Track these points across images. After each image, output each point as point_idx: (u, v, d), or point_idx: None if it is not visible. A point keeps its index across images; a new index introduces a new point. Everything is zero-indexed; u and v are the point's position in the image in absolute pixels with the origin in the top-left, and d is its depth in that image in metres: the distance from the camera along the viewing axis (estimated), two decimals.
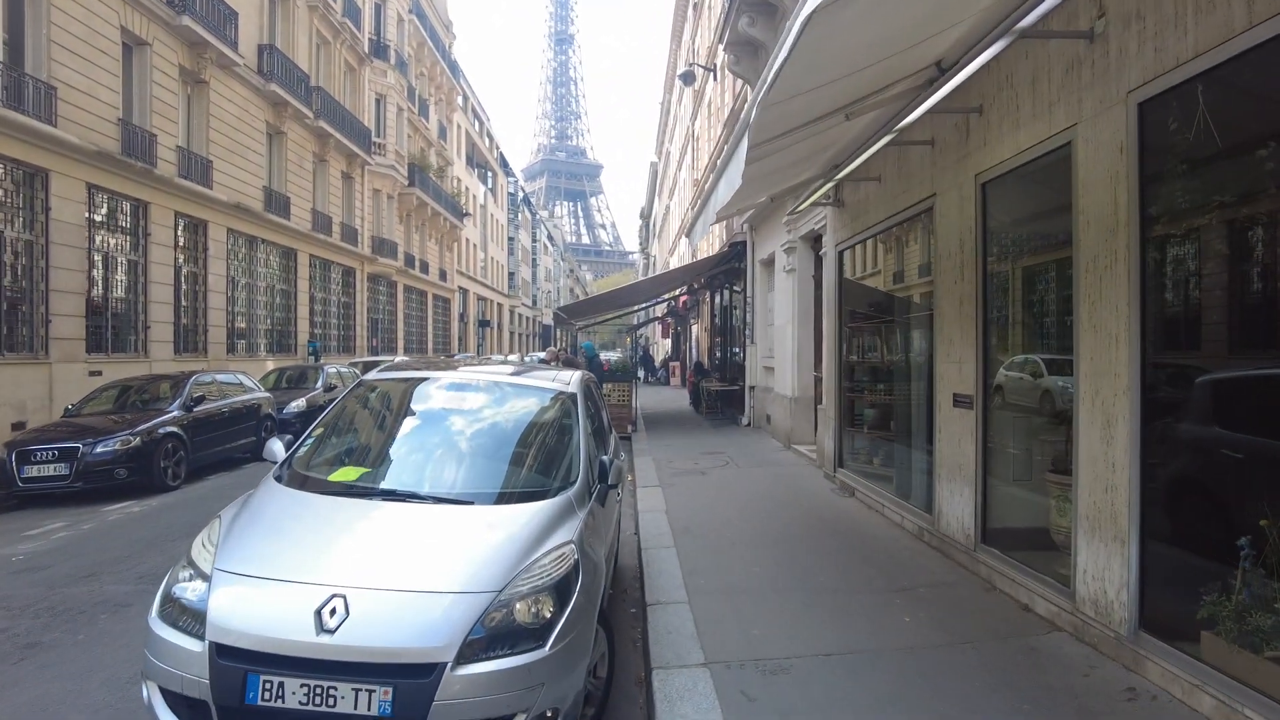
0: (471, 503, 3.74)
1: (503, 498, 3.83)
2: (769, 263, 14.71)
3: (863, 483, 8.45)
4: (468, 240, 47.59)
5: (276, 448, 4.44)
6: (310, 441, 4.40)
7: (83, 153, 14.42)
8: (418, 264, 36.89)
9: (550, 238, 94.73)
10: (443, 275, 41.53)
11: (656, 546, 6.71)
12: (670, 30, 37.16)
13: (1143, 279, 3.87)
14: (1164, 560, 3.91)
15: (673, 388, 31.31)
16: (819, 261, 11.17)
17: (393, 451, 4.38)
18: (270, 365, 20.61)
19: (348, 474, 4.04)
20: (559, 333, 23.16)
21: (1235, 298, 3.57)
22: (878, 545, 6.63)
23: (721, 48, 14.85)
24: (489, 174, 56.70)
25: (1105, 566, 4.15)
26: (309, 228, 25.03)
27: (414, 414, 4.73)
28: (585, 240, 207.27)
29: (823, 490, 9.05)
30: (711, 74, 21.71)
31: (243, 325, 21.46)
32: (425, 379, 4.95)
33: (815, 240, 11.53)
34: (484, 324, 50.18)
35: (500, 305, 57.02)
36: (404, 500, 3.73)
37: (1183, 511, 3.89)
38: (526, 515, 3.63)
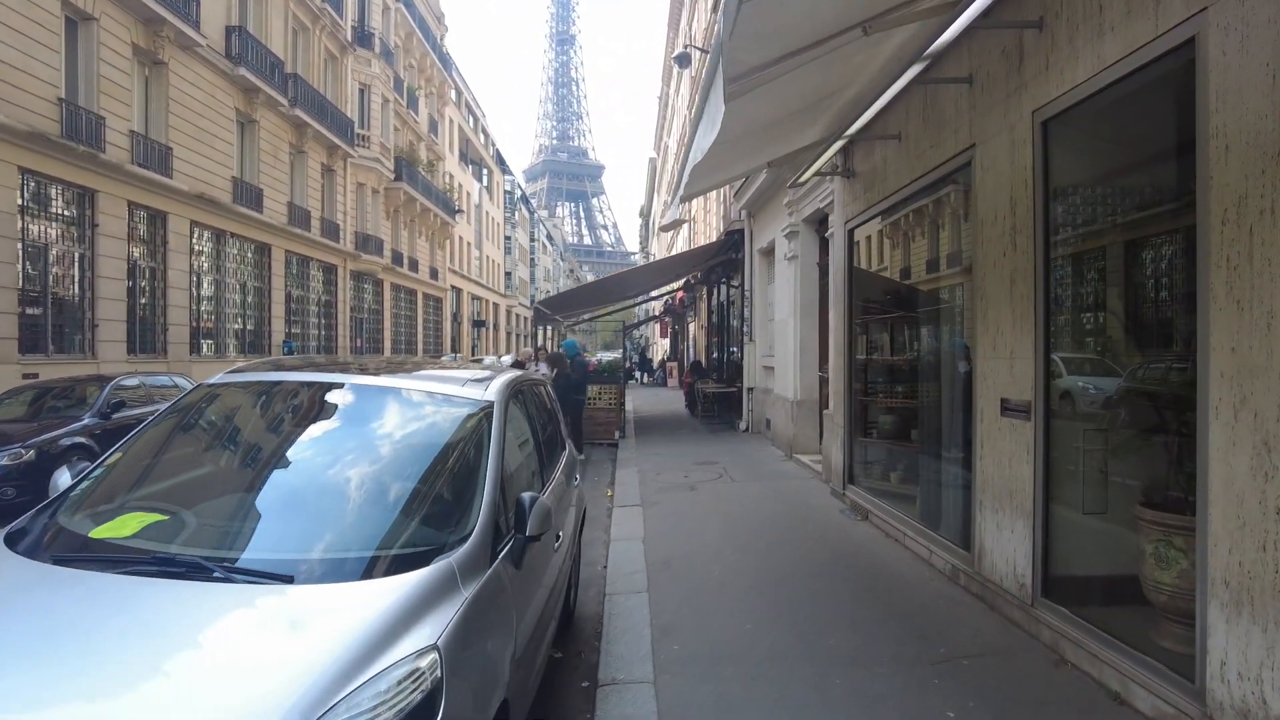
0: (291, 578, 2.38)
1: (341, 569, 2.47)
2: (768, 251, 13.35)
3: (878, 504, 7.08)
4: (461, 238, 46.26)
5: (63, 480, 3.10)
6: (99, 472, 3.05)
7: (14, 134, 13.12)
8: (406, 261, 35.57)
9: (550, 237, 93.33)
10: (434, 274, 40.20)
11: (625, 591, 5.36)
12: (668, 19, 35.81)
13: None
14: None
15: (670, 389, 29.91)
16: (824, 246, 9.82)
17: (204, 491, 3.03)
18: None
19: (122, 526, 2.67)
20: (549, 332, 21.72)
21: None
22: (902, 590, 5.26)
23: (719, 18, 13.50)
24: (484, 171, 55.35)
25: (1265, 664, 2.78)
26: (284, 222, 23.70)
27: (257, 433, 3.38)
28: (587, 241, 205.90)
29: (831, 511, 7.68)
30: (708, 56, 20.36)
31: (209, 324, 20.15)
32: (288, 383, 3.60)
33: (820, 222, 10.17)
34: (479, 324, 48.83)
35: (497, 305, 55.64)
36: (181, 576, 2.36)
37: None
38: (366, 603, 2.27)
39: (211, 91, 19.73)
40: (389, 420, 3.31)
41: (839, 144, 6.46)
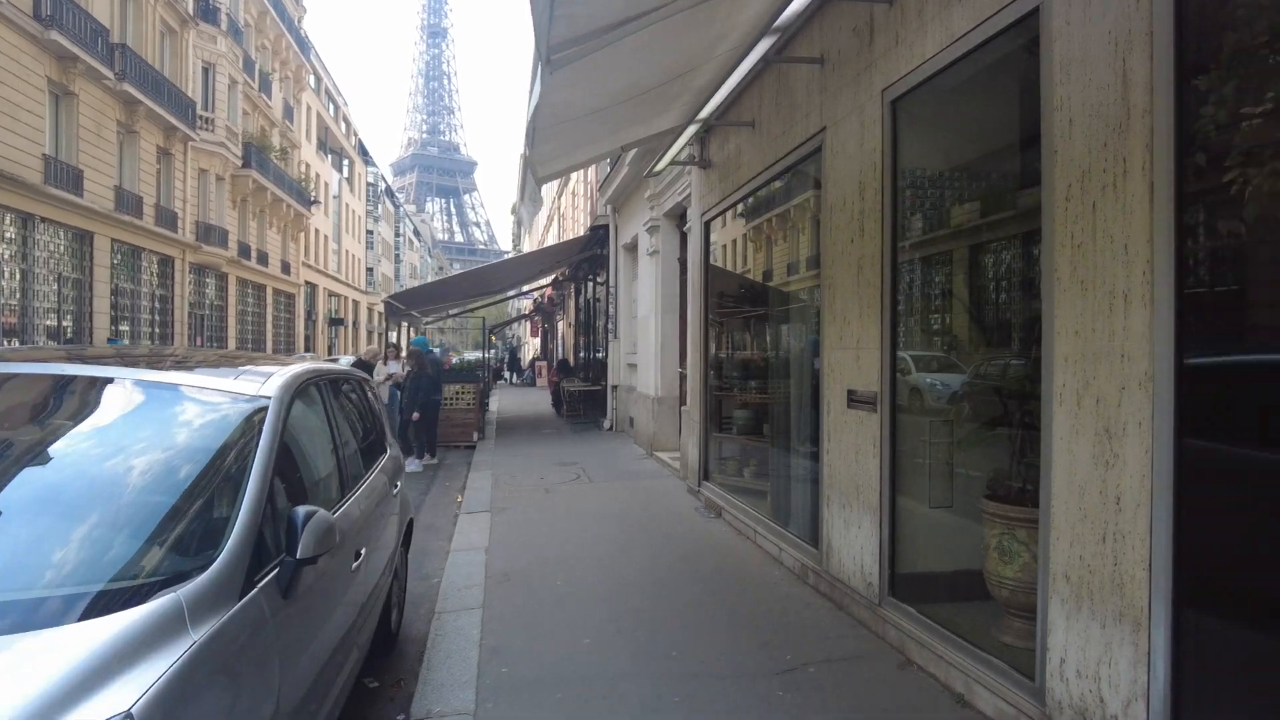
0: None
1: (17, 616, 1.88)
2: (632, 247, 13.10)
3: (731, 500, 6.89)
4: (318, 231, 43.75)
5: None
6: None
7: None
8: (254, 254, 33.18)
9: (417, 232, 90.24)
10: (286, 268, 37.74)
11: (457, 608, 4.86)
12: None
13: (1178, 197, 2.37)
14: (1209, 659, 2.43)
15: (539, 388, 29.31)
16: (685, 241, 9.63)
17: None
18: None
19: None
20: (407, 329, 20.57)
21: None
22: (751, 593, 5.03)
23: None
24: (345, 161, 52.66)
25: (1103, 660, 2.64)
26: (111, 207, 21.46)
27: None
28: (459, 238, 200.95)
29: (686, 510, 7.44)
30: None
31: (12, 319, 17.91)
32: (7, 375, 2.91)
33: (681, 216, 9.98)
34: (336, 322, 46.37)
35: (357, 303, 53.00)
36: None
37: (1246, 580, 2.42)
38: (38, 662, 1.72)
39: (16, 57, 17.54)
40: (131, 421, 2.71)
41: (693, 128, 6.22)
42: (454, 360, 18.45)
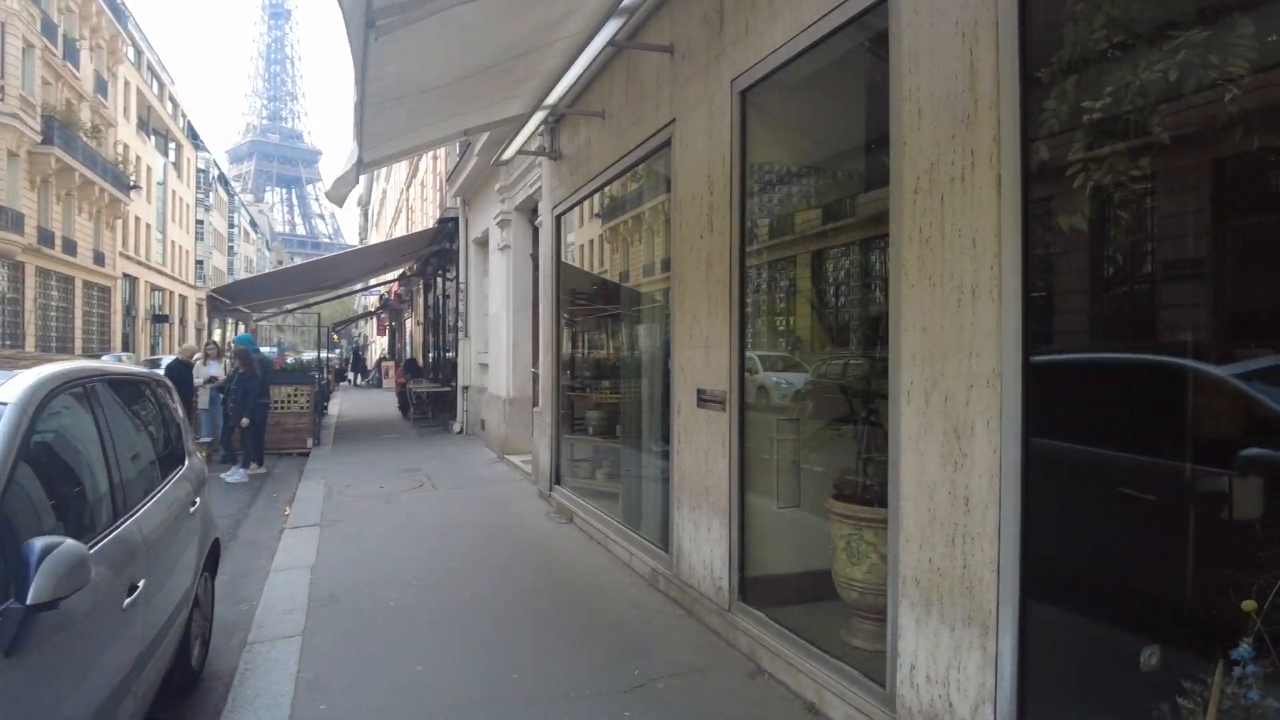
0: None
1: None
2: (483, 242, 12.62)
3: (583, 504, 6.65)
4: (139, 219, 39.94)
5: None
6: None
7: None
8: (59, 242, 29.78)
9: (254, 223, 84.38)
10: (99, 259, 34.14)
11: (273, 637, 4.32)
12: None
13: (1025, 189, 2.32)
14: (1054, 661, 2.40)
15: (386, 390, 28.01)
16: (538, 236, 9.30)
17: None
18: None
19: None
20: (237, 326, 18.86)
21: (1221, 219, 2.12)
22: (600, 603, 4.79)
23: None
24: (172, 145, 48.35)
25: (952, 665, 2.58)
26: None
27: None
28: (301, 231, 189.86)
29: (536, 516, 7.13)
30: None
31: None
32: None
33: (533, 210, 9.64)
34: (160, 319, 42.51)
35: (185, 298, 48.79)
36: None
37: (1089, 580, 2.40)
38: None
39: None
40: None
41: (541, 115, 5.92)
42: (289, 360, 17.17)
